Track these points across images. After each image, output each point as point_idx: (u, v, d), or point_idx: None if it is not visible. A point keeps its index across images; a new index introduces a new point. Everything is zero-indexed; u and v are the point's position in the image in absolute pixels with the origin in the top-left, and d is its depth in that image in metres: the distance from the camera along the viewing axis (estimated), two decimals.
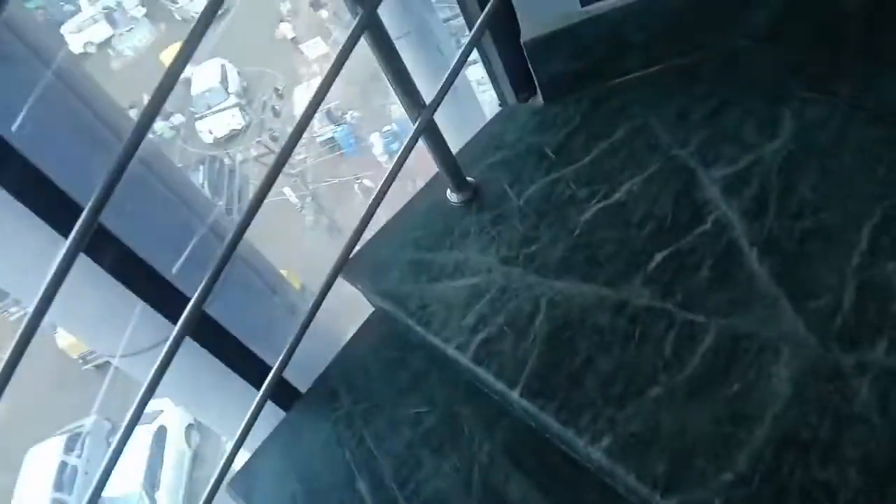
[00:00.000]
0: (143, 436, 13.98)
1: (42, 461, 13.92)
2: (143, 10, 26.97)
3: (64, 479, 13.58)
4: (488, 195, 1.39)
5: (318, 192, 16.41)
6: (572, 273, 1.17)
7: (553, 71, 1.43)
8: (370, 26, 1.05)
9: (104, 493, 0.99)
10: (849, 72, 1.19)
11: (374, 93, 17.86)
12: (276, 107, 19.47)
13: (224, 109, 19.45)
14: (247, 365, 1.62)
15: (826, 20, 1.26)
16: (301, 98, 19.31)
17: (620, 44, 1.37)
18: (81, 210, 0.80)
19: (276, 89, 19.97)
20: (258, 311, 2.66)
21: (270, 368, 1.21)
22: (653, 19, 1.33)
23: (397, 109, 17.59)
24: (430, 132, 1.29)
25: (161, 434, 14.11)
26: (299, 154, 18.55)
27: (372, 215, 1.23)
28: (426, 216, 1.43)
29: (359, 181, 17.34)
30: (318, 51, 21.55)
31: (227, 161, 18.10)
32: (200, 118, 20.42)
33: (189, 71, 22.76)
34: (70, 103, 1.79)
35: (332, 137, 18.71)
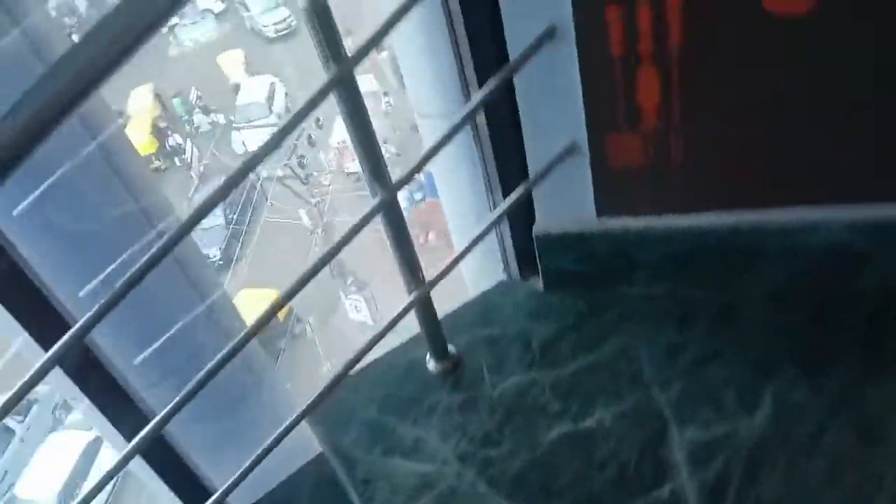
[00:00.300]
0: (74, 442, 12.82)
1: None
2: (220, 7, 27.67)
3: None
4: (466, 373, 1.38)
5: (330, 225, 16.42)
6: (523, 495, 1.15)
7: (558, 266, 1.44)
8: (342, 83, 1.03)
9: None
10: (842, 361, 1.19)
11: (416, 141, 18.12)
12: (313, 136, 19.72)
13: (262, 126, 19.76)
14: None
15: (834, 296, 1.26)
16: (341, 130, 19.57)
17: (628, 261, 1.38)
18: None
19: (317, 119, 20.25)
20: None
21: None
22: (665, 248, 1.34)
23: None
24: (421, 303, 1.30)
25: (95, 445, 12.91)
26: (325, 182, 18.76)
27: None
28: (402, 374, 1.42)
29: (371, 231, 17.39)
30: (368, 87, 22.04)
31: (250, 175, 18.35)
32: (237, 128, 20.75)
33: (241, 78, 23.26)
34: None
35: (358, 174, 18.95)
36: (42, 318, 1.04)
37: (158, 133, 22.59)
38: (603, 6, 1.08)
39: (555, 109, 1.23)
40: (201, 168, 21.18)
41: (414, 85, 3.77)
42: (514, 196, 1.33)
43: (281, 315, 15.63)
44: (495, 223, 1.29)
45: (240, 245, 17.78)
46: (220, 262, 16.99)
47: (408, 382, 1.40)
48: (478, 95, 1.20)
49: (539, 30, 1.12)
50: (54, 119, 0.71)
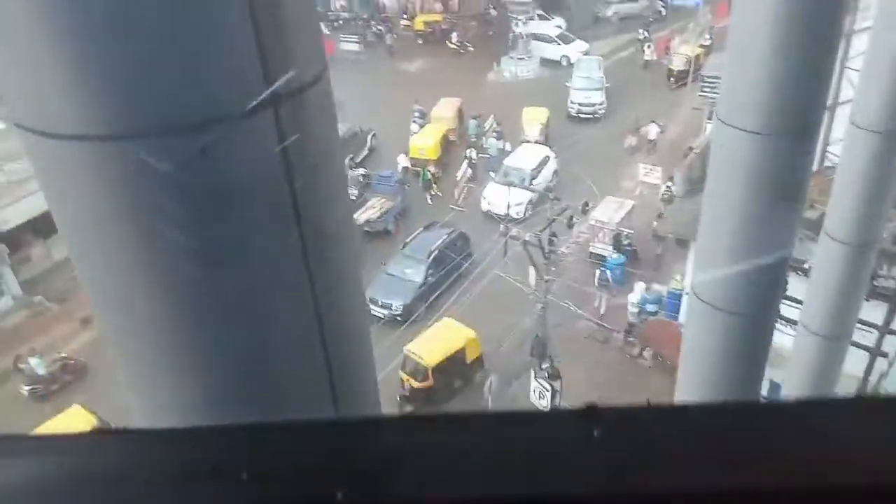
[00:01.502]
0: None
1: None
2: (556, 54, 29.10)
3: None
4: None
5: (552, 304, 15.64)
6: None
7: None
8: None
9: None
10: None
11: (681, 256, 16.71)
12: (574, 218, 19.26)
13: (523, 191, 20.17)
14: None
15: None
16: (600, 216, 18.73)
17: None
18: None
19: (586, 203, 19.76)
20: None
21: None
22: None
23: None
24: None
25: None
26: (566, 251, 18.13)
27: None
28: None
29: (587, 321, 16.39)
30: (651, 178, 20.97)
31: (501, 227, 18.42)
32: (491, 183, 21.15)
33: (531, 135, 23.77)
34: None
35: (604, 258, 17.99)
36: None
37: (446, 143, 23.90)
38: None
39: None
40: (458, 191, 21.89)
41: None
42: None
43: (470, 354, 15.29)
44: None
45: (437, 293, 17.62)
46: (399, 317, 16.90)
47: None
48: None
49: None
50: None
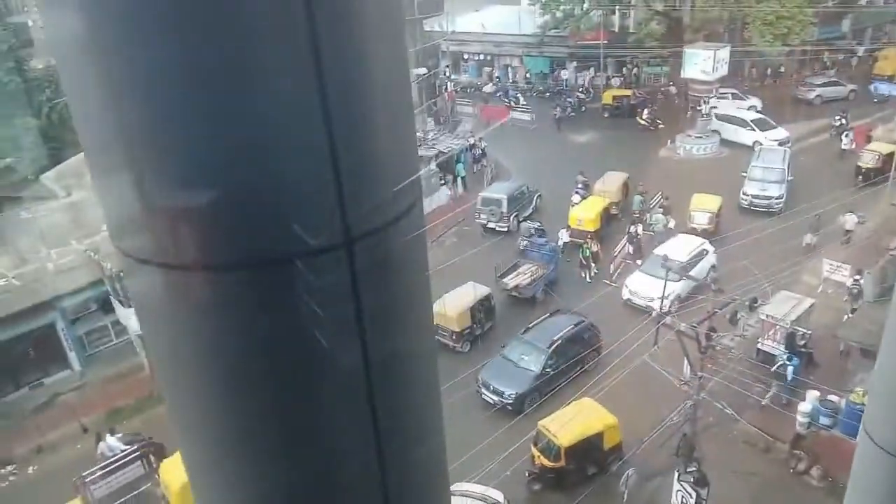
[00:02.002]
0: None
1: None
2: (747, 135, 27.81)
3: None
4: None
5: (705, 395, 14.47)
6: None
7: None
8: None
9: None
10: None
11: None
12: (740, 313, 17.83)
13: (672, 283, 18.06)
14: None
15: None
16: (772, 311, 17.04)
17: None
18: None
19: (754, 299, 18.17)
20: None
21: None
22: None
23: None
24: None
25: None
26: (729, 342, 16.72)
27: None
28: None
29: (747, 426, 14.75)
30: (837, 275, 18.88)
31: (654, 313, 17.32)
32: (637, 271, 20.26)
33: (698, 222, 22.50)
34: None
35: (773, 357, 16.30)
36: None
37: (607, 216, 23.44)
38: None
39: None
40: (614, 266, 21.14)
41: None
42: None
43: (608, 441, 14.40)
44: None
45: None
46: (510, 405, 15.99)
47: None
48: None
49: None
50: None
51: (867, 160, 24.62)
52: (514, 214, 24.19)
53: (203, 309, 0.88)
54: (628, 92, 34.62)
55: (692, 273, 19.00)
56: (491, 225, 24.26)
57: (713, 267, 20.23)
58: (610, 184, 24.95)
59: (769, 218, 23.06)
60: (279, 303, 0.85)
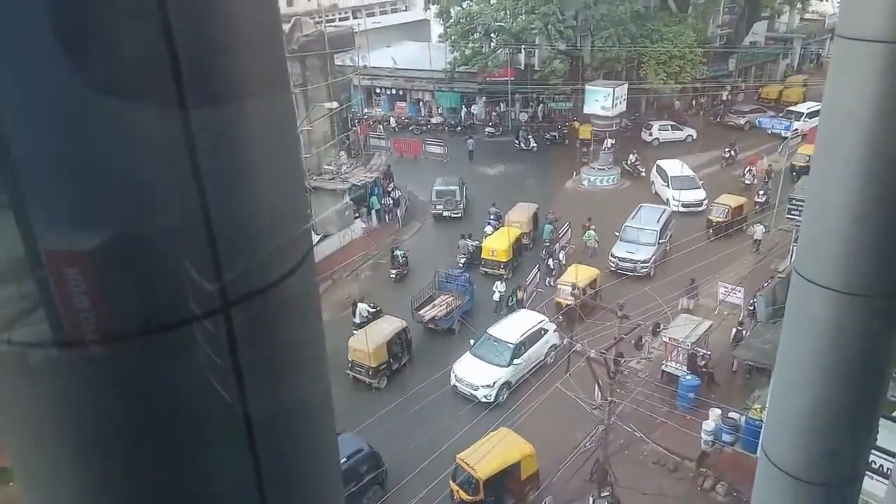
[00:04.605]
0: None
1: None
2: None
3: None
4: None
5: (614, 427, 14.89)
6: None
7: None
8: None
9: None
10: None
11: None
12: (644, 338, 18.52)
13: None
14: None
15: None
16: (674, 334, 17.83)
17: None
18: None
19: (657, 324, 18.87)
20: None
21: None
22: None
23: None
24: None
25: None
26: (636, 366, 17.33)
27: None
28: None
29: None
30: (732, 298, 19.93)
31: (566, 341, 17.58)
32: (467, 353, 18.60)
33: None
34: None
35: (676, 378, 16.98)
36: None
37: (518, 247, 23.98)
38: None
39: None
40: (526, 295, 21.49)
41: None
42: None
43: (525, 470, 14.46)
44: None
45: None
46: None
47: None
48: None
49: None
50: None
51: (717, 214, 24.90)
52: (465, 201, 27.34)
53: (67, 386, 0.78)
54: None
55: (527, 355, 18.10)
56: (446, 213, 27.07)
57: (554, 347, 19.03)
58: (520, 214, 25.57)
59: (646, 282, 21.63)
60: (149, 374, 0.76)
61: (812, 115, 31.88)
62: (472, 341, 18.69)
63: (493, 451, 14.44)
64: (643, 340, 18.40)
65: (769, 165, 29.32)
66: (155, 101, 0.69)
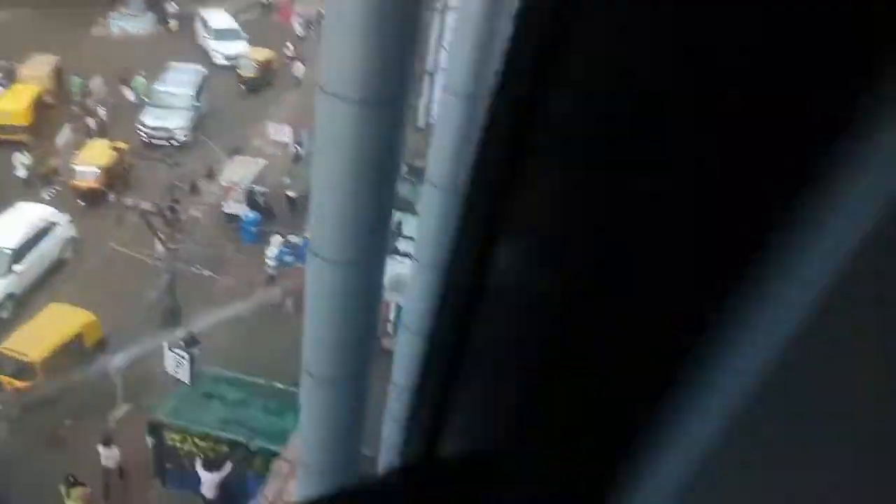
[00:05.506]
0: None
1: None
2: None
3: None
4: None
5: (185, 272, 14.81)
6: None
7: None
8: None
9: None
10: None
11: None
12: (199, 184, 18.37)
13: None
14: None
15: None
16: (231, 177, 18.23)
17: None
18: None
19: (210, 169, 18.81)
20: None
21: None
22: None
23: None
24: None
25: None
26: (197, 213, 17.31)
27: None
28: None
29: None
30: (280, 136, 20.81)
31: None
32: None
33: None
34: None
35: (238, 217, 17.57)
36: None
37: (41, 106, 20.45)
38: None
39: None
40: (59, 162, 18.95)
41: None
42: None
43: (89, 339, 13.52)
44: None
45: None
46: None
47: None
48: None
49: None
50: None
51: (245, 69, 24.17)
52: None
53: None
54: None
55: (29, 261, 15.37)
56: None
57: (73, 240, 16.64)
58: (38, 69, 21.64)
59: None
60: None
61: None
62: None
63: (45, 331, 13.07)
64: (198, 185, 18.29)
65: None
66: None
